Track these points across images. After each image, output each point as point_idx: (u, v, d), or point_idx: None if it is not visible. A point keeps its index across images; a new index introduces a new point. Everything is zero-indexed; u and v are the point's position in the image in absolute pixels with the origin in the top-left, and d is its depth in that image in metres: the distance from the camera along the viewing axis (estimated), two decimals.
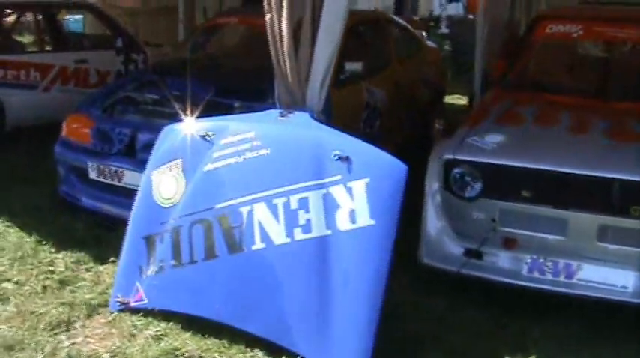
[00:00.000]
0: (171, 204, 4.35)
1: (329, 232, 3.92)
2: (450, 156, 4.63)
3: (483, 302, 4.54)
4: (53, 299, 4.48)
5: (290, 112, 4.32)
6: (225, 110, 5.66)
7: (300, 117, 4.28)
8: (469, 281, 4.58)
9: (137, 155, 5.42)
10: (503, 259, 4.57)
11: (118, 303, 4.37)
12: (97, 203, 5.65)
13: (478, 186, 4.57)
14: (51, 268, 4.86)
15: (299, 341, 3.88)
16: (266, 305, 3.98)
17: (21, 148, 7.11)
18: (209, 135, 4.35)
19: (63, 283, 4.69)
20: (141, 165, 5.33)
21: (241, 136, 4.26)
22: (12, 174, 6.62)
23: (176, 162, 4.39)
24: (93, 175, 5.62)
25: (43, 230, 5.40)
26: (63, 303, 4.41)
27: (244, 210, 4.10)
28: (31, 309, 4.34)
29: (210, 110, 5.68)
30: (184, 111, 5.63)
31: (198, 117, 5.57)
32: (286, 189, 4.04)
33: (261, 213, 4.06)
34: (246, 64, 6.35)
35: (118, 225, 5.38)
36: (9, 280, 4.69)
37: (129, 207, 5.45)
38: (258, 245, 4.04)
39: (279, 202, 4.04)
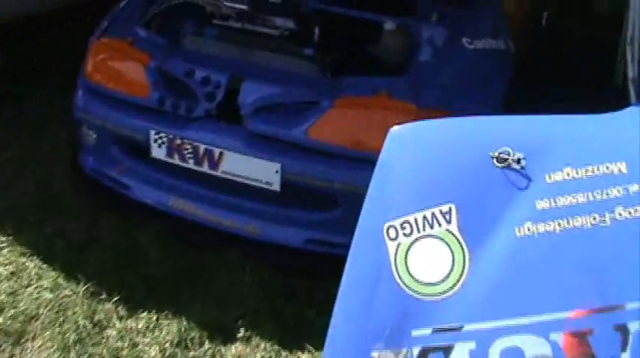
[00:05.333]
0: (439, 297, 2.17)
1: None
2: None
3: None
4: None
5: None
6: (370, 32, 3.40)
7: None
8: None
9: (245, 123, 3.10)
10: None
11: None
12: (166, 199, 3.34)
13: None
14: None
15: None
16: None
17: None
18: (517, 161, 2.13)
19: None
20: (253, 141, 3.09)
21: (598, 170, 2.09)
22: None
23: (444, 211, 2.17)
24: (159, 153, 3.28)
25: (88, 254, 3.09)
26: None
27: (635, 327, 2.01)
28: None
29: (341, 31, 3.42)
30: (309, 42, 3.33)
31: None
32: None
33: None
34: None
35: (211, 242, 3.19)
36: None
37: (232, 211, 3.26)
38: None
39: None
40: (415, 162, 2.25)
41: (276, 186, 3.11)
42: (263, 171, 3.10)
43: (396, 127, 2.32)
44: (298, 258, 3.18)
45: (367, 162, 3.02)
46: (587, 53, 4.89)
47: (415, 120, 2.98)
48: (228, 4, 3.51)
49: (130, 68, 3.34)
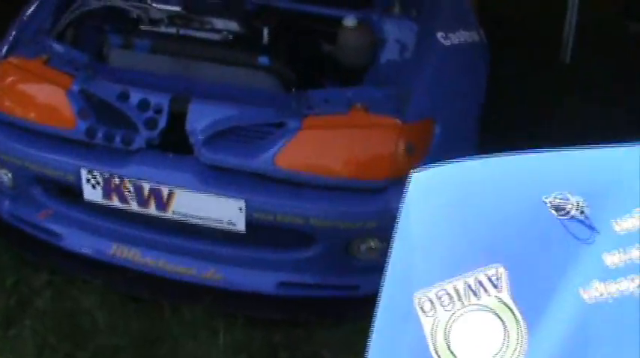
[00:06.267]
0: None
1: None
2: None
3: None
4: None
5: None
6: (327, 30, 2.97)
7: None
8: None
9: (197, 153, 2.60)
10: None
11: None
12: (108, 246, 2.82)
13: None
14: None
15: None
16: None
17: None
18: (577, 206, 1.73)
19: None
20: (209, 175, 2.60)
21: None
22: None
23: (490, 274, 1.76)
24: (93, 195, 2.74)
25: (21, 327, 2.54)
26: None
27: None
28: None
29: (293, 31, 2.97)
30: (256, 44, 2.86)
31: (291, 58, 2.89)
32: None
33: None
34: None
35: (169, 296, 2.70)
36: None
37: (187, 255, 2.77)
38: None
39: None
40: (448, 215, 1.81)
41: (240, 226, 2.63)
42: (224, 210, 2.61)
43: (418, 172, 1.88)
44: (273, 306, 2.72)
45: (348, 190, 2.60)
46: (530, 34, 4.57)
47: (401, 136, 2.57)
48: (158, 6, 2.97)
49: (48, 93, 2.77)
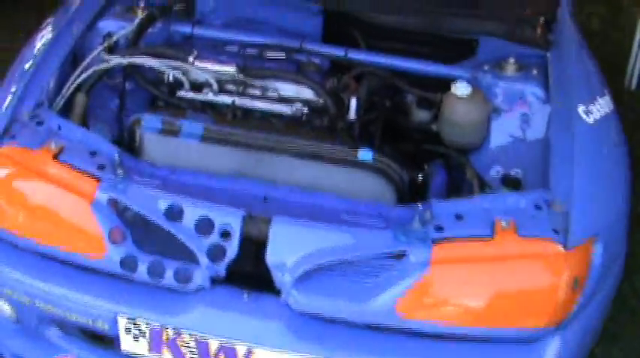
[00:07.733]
0: None
1: None
2: None
3: None
4: None
5: None
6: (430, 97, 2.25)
7: None
8: None
9: (286, 296, 1.86)
10: None
11: None
12: None
13: None
14: None
15: None
16: None
17: None
18: None
19: None
20: (302, 328, 1.87)
21: None
22: None
23: None
24: (135, 348, 2.00)
25: None
26: None
27: None
28: None
29: (384, 97, 2.25)
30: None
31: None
32: None
33: None
34: None
35: None
36: None
37: None
38: None
39: None
40: None
41: None
42: None
43: None
44: None
45: (494, 343, 1.92)
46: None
47: (566, 267, 1.88)
48: (203, 65, 2.19)
49: (63, 205, 1.97)
